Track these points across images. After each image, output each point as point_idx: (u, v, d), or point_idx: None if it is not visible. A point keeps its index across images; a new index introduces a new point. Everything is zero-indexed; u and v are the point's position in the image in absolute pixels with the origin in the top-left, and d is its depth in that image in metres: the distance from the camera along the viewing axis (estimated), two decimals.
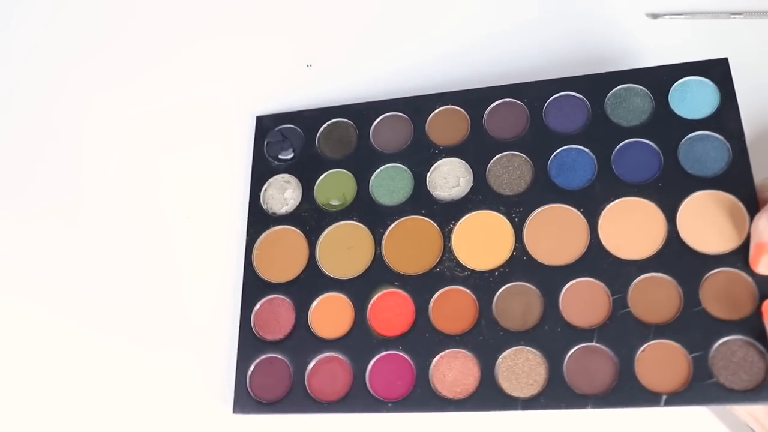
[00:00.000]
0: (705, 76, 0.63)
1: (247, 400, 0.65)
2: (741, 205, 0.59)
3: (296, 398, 0.64)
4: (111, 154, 0.80)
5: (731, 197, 0.59)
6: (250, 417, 0.65)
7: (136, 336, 0.73)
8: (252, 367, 0.65)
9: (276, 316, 0.67)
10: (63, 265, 0.76)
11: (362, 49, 0.79)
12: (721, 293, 0.58)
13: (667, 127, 0.63)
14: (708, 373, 0.56)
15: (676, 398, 0.56)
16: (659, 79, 0.64)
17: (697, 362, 0.56)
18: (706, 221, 0.60)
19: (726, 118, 0.62)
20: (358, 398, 0.62)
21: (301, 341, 0.65)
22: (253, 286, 0.68)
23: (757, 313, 0.56)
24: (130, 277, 0.75)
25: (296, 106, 0.74)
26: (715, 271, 0.58)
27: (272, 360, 0.65)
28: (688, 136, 0.62)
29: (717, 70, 0.63)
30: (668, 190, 0.61)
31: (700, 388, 0.55)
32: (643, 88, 0.64)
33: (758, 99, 0.65)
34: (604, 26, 0.74)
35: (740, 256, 0.58)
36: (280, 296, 0.67)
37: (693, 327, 0.57)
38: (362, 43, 0.79)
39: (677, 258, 0.59)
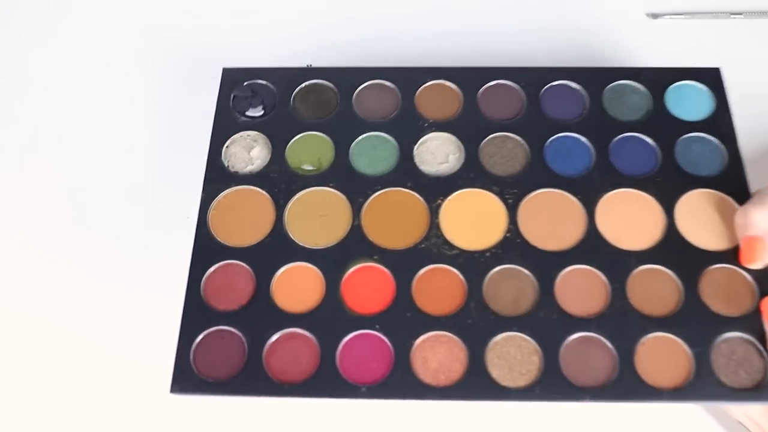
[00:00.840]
0: (701, 82, 0.64)
1: (189, 378, 0.54)
2: (736, 204, 0.59)
3: (250, 378, 0.54)
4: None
5: (728, 198, 0.59)
6: (193, 399, 0.55)
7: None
8: (197, 341, 0.55)
9: (231, 284, 0.57)
10: None
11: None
12: (720, 289, 0.56)
13: (663, 125, 0.62)
14: (709, 370, 0.53)
15: (677, 394, 0.53)
16: (657, 80, 0.64)
17: (699, 358, 0.53)
18: (703, 218, 0.59)
19: (720, 123, 0.62)
20: (325, 381, 0.54)
21: (260, 314, 0.56)
22: (206, 249, 0.58)
23: (757, 310, 0.55)
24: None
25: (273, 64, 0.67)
26: (715, 267, 0.57)
27: (223, 333, 0.56)
28: (685, 136, 0.62)
29: (712, 78, 0.64)
30: (666, 185, 0.60)
31: (701, 384, 0.53)
32: (641, 86, 0.64)
33: (759, 99, 0.66)
34: (604, 26, 0.74)
35: (736, 255, 0.57)
36: (238, 262, 0.58)
37: (693, 322, 0.55)
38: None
39: (676, 251, 0.57)
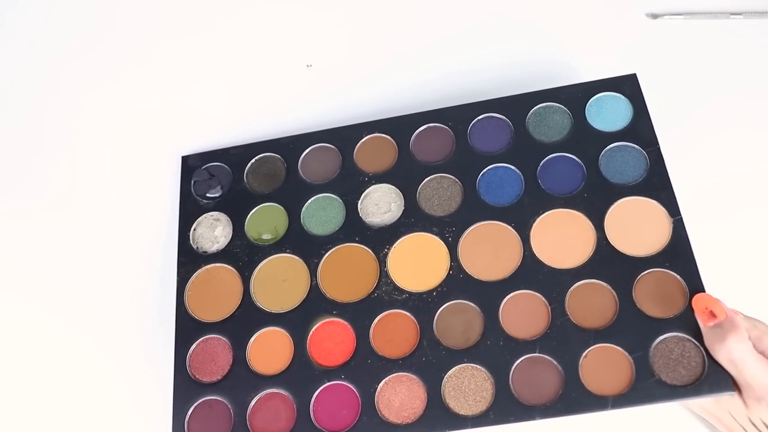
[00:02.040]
0: (617, 92, 0.66)
1: None
2: (662, 208, 0.61)
3: None
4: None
5: (653, 202, 0.62)
6: None
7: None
8: (189, 413, 0.62)
9: (212, 357, 0.64)
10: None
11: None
12: (653, 293, 0.59)
13: (586, 140, 0.65)
14: (650, 372, 0.56)
15: (622, 400, 0.56)
16: (575, 97, 0.67)
17: (639, 362, 0.57)
18: (632, 226, 0.62)
19: (640, 129, 0.65)
20: None
21: (240, 380, 0.63)
22: (187, 328, 0.65)
23: (689, 308, 0.58)
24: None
25: (222, 144, 0.73)
26: (646, 272, 0.60)
27: (211, 403, 0.62)
28: (608, 147, 0.65)
29: (628, 86, 0.66)
30: (593, 200, 0.63)
31: (643, 387, 0.56)
32: (561, 106, 0.67)
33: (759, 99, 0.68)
34: (604, 26, 0.75)
35: (667, 257, 0.60)
36: (216, 336, 0.65)
37: (631, 328, 0.58)
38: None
39: (608, 263, 0.61)
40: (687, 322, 0.58)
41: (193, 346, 0.65)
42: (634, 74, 0.67)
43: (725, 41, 0.74)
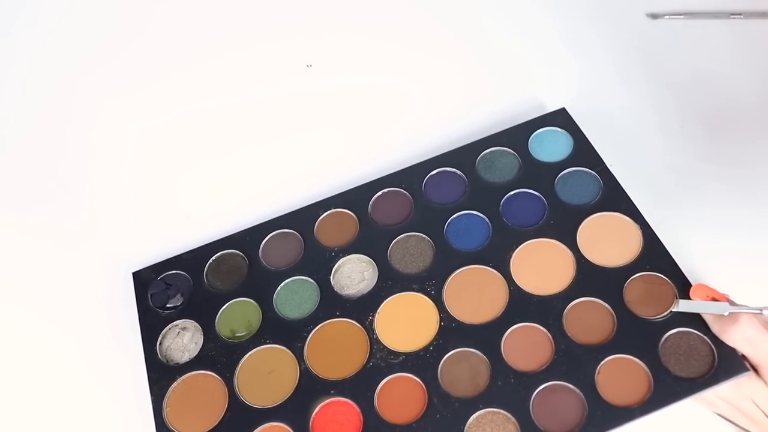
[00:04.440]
0: (553, 125, 0.70)
1: None
2: (627, 218, 0.63)
3: None
4: None
5: (616, 214, 0.64)
6: None
7: None
8: None
9: None
10: None
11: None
12: (643, 296, 0.60)
13: (537, 174, 0.67)
14: (665, 372, 0.56)
15: (648, 406, 0.55)
16: (516, 137, 0.70)
17: (652, 366, 0.56)
18: (604, 240, 0.63)
19: (584, 153, 0.68)
20: None
21: None
22: None
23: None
24: None
25: (172, 252, 0.70)
26: (631, 279, 0.60)
27: None
28: (559, 175, 0.67)
29: (561, 118, 0.70)
30: (561, 225, 0.64)
31: (664, 388, 0.55)
32: (506, 149, 0.69)
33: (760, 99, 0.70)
34: (604, 26, 0.77)
35: (646, 260, 0.61)
36: None
37: (634, 335, 0.58)
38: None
39: (593, 279, 0.61)
40: (683, 315, 0.58)
41: None
42: (563, 108, 0.71)
43: (725, 41, 0.75)
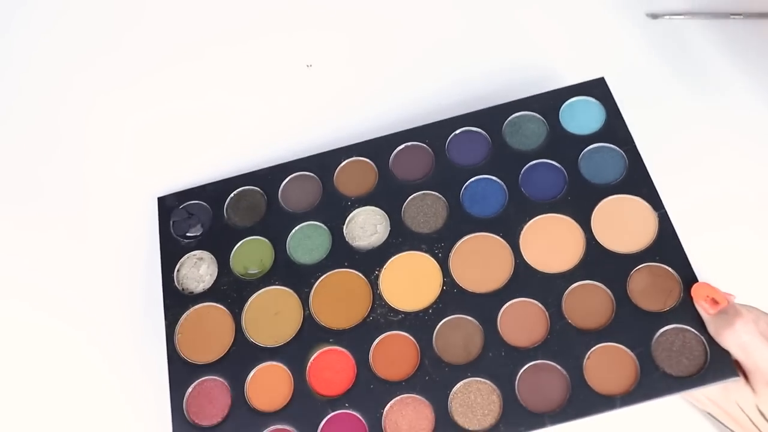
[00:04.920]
0: (588, 95, 0.68)
1: None
2: (646, 204, 0.62)
3: None
4: None
5: (636, 198, 0.63)
6: None
7: None
8: None
9: (210, 399, 0.62)
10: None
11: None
12: (647, 287, 0.60)
13: (563, 145, 0.66)
14: (654, 367, 0.57)
15: (630, 398, 0.56)
16: (548, 104, 0.68)
17: (642, 358, 0.57)
18: (619, 224, 0.62)
19: (614, 129, 0.66)
20: None
21: (242, 420, 0.61)
22: (181, 372, 0.63)
23: (685, 299, 0.58)
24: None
25: (198, 182, 0.72)
26: (638, 268, 0.60)
27: None
28: (585, 149, 0.65)
29: (598, 90, 0.68)
30: (578, 202, 0.64)
31: (649, 382, 0.56)
32: (536, 114, 0.68)
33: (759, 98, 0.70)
34: (604, 26, 0.76)
35: (656, 250, 0.60)
36: (212, 377, 0.63)
37: (630, 325, 0.58)
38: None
39: (600, 263, 0.61)
40: (684, 312, 0.58)
41: (189, 390, 0.63)
42: (602, 78, 0.68)
43: (725, 41, 0.74)
